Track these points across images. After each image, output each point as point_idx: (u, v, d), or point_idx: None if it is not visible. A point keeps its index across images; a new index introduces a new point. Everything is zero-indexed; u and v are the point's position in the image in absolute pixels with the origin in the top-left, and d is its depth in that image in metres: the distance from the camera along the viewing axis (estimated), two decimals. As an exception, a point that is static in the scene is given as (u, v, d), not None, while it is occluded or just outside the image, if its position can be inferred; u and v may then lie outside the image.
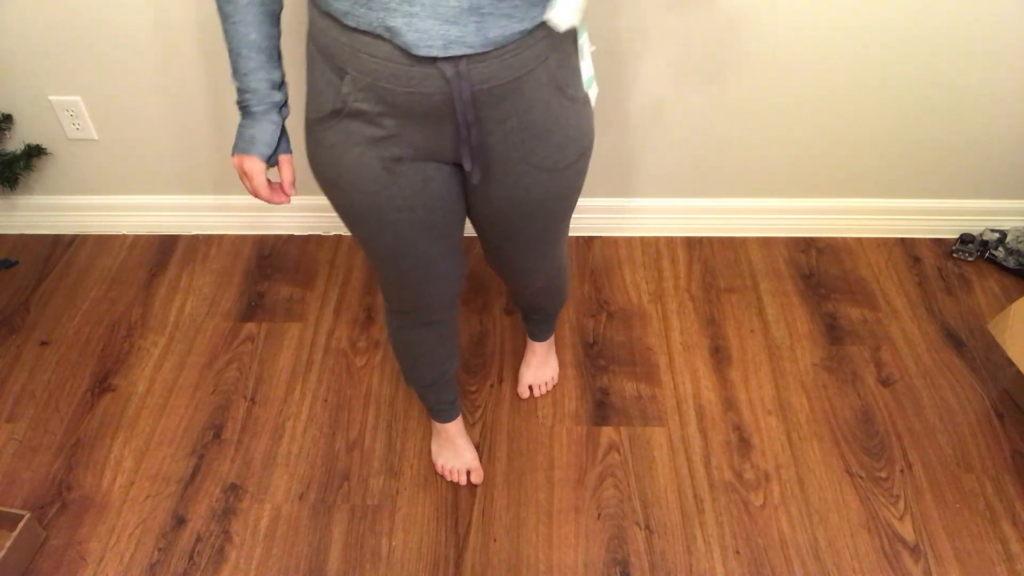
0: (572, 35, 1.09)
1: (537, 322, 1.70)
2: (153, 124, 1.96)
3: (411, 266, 1.22)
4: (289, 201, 1.19)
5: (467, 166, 1.09)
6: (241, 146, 1.11)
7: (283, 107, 1.12)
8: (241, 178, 1.14)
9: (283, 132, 1.13)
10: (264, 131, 1.10)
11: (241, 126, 1.11)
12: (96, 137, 1.99)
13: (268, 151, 1.11)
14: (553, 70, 1.06)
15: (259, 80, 1.08)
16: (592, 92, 1.17)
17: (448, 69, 0.98)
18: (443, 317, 1.38)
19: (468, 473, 1.61)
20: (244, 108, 1.10)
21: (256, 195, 1.15)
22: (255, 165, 1.12)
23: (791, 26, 1.73)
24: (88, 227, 2.18)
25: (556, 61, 1.06)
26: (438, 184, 1.13)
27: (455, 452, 1.62)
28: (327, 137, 1.08)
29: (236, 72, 1.09)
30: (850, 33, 1.74)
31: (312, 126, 1.10)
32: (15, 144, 2.01)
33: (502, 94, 1.03)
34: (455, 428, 1.62)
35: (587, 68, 1.14)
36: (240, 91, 1.10)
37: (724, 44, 1.76)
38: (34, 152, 2.00)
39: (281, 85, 1.11)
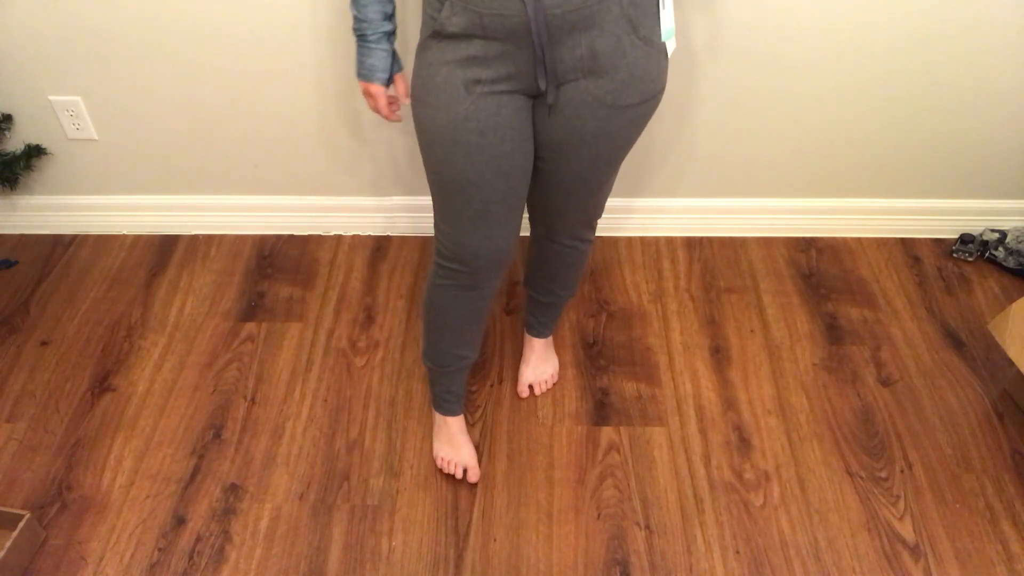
0: None
1: (542, 311, 1.69)
2: (153, 124, 1.96)
3: (473, 196, 1.27)
4: (400, 117, 1.39)
5: (542, 86, 1.17)
6: (364, 73, 1.31)
7: (392, 35, 1.29)
8: (365, 97, 1.35)
9: (394, 56, 1.32)
10: (379, 59, 1.29)
11: (359, 53, 1.29)
12: (96, 137, 1.99)
13: (385, 76, 1.31)
14: (626, 5, 1.13)
15: (374, 11, 1.25)
16: (670, 44, 1.22)
17: None
18: (485, 281, 1.39)
19: (465, 471, 1.61)
20: (361, 36, 1.27)
21: (377, 113, 1.36)
22: (378, 89, 1.32)
23: (791, 26, 1.73)
24: (88, 227, 2.18)
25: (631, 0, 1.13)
26: (510, 112, 1.21)
27: (454, 449, 1.62)
28: (426, 57, 1.20)
29: (354, 2, 1.25)
30: (850, 33, 1.74)
31: (419, 50, 1.22)
32: (15, 144, 2.01)
33: (574, 20, 1.11)
34: (456, 425, 1.63)
35: (667, 19, 1.19)
36: (357, 19, 1.26)
37: (724, 44, 1.76)
38: (34, 152, 2.00)
39: (391, 16, 1.27)
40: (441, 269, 1.39)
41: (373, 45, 1.27)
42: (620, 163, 1.34)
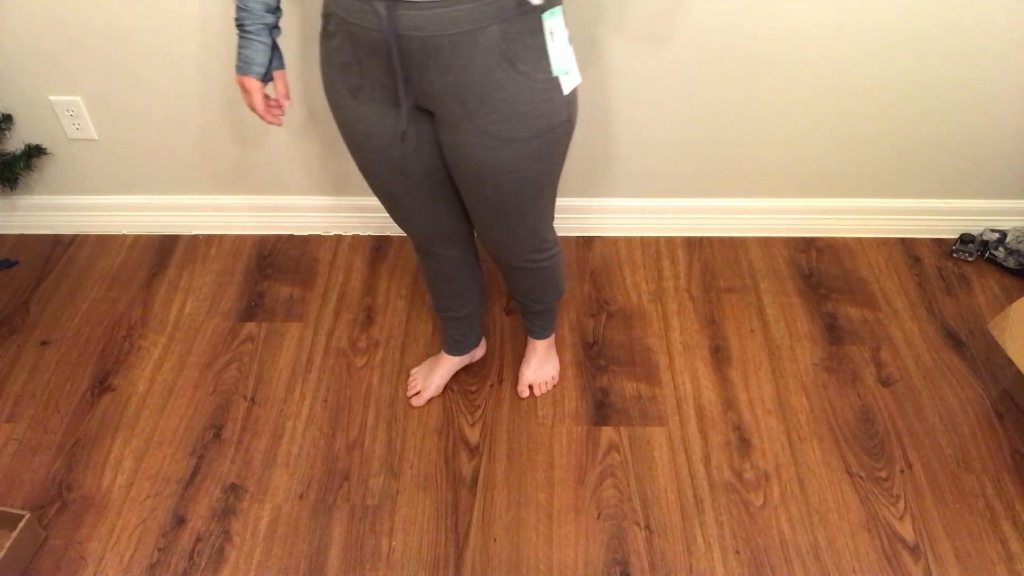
0: (534, 13, 1.11)
1: (534, 317, 1.70)
2: (153, 124, 1.96)
3: (378, 188, 1.36)
4: (280, 121, 1.33)
5: (404, 104, 1.16)
6: (240, 66, 1.26)
7: (274, 29, 1.25)
8: (242, 93, 1.29)
9: (275, 51, 1.27)
10: (256, 51, 1.24)
11: (239, 46, 1.25)
12: (96, 137, 1.99)
13: (262, 71, 1.26)
14: (498, 40, 1.10)
15: (255, 1, 1.22)
16: (566, 80, 1.19)
17: (381, 8, 1.05)
18: (434, 250, 1.51)
19: (418, 394, 1.75)
20: (240, 26, 1.23)
21: (253, 111, 1.29)
22: (252, 84, 1.26)
23: (791, 26, 1.73)
24: (88, 227, 2.18)
25: (504, 33, 1.09)
26: (392, 121, 1.21)
27: (428, 374, 1.76)
28: (321, 52, 1.21)
29: None
30: (850, 33, 1.74)
31: (320, 39, 1.22)
32: (15, 144, 2.01)
33: (436, 46, 1.09)
34: (445, 360, 1.76)
35: (558, 54, 1.16)
36: (238, 8, 1.22)
37: (724, 44, 1.76)
38: (34, 152, 2.00)
39: (276, 10, 1.24)
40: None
41: (251, 36, 1.23)
42: (538, 196, 1.31)
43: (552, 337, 1.78)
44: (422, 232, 1.46)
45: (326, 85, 1.24)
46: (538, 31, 1.13)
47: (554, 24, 1.14)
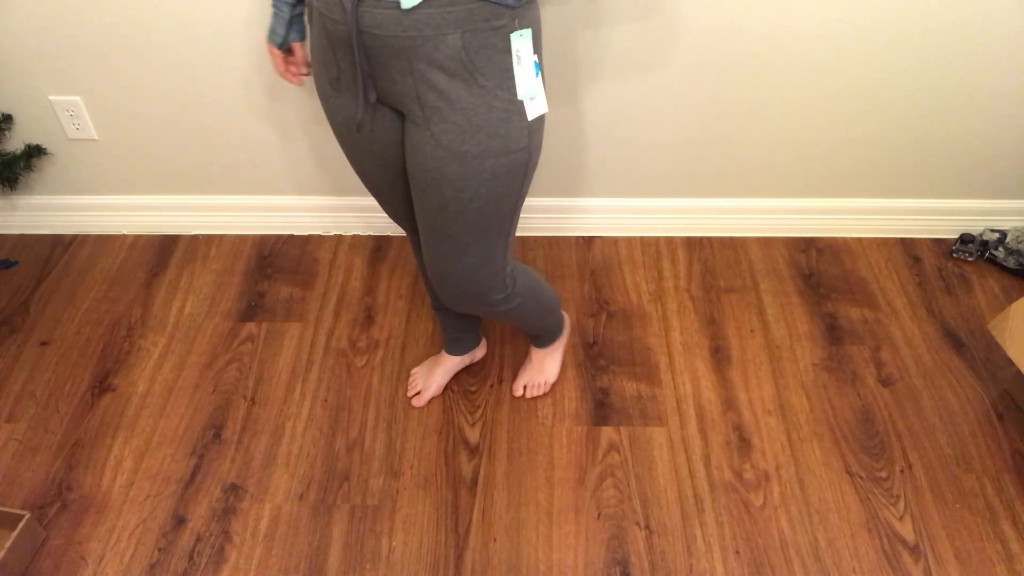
0: (502, 31, 1.10)
1: (525, 331, 1.70)
2: (153, 124, 1.96)
3: (367, 183, 1.40)
4: (300, 82, 1.42)
5: (362, 98, 1.18)
6: (268, 35, 1.39)
7: (295, 5, 1.32)
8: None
9: (293, 24, 1.34)
10: (278, 22, 1.34)
11: (271, 17, 1.35)
12: (96, 137, 1.99)
13: (278, 40, 1.35)
14: (459, 51, 1.09)
15: None
16: (531, 106, 1.16)
17: (347, 2, 1.07)
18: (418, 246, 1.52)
19: (416, 395, 1.75)
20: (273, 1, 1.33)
21: (277, 72, 1.43)
22: (272, 50, 1.37)
23: (791, 26, 1.73)
24: (88, 227, 2.18)
25: (465, 43, 1.08)
26: (380, 118, 1.24)
27: (428, 374, 1.77)
28: (311, 35, 1.24)
29: None
30: (850, 33, 1.74)
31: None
32: (15, 144, 2.01)
33: (396, 47, 1.10)
34: (446, 360, 1.76)
35: (524, 77, 1.13)
36: None
37: (724, 44, 1.76)
38: (34, 152, 2.00)
39: None
40: None
41: (276, 8, 1.33)
42: (484, 225, 1.26)
43: (551, 347, 1.76)
44: (410, 224, 1.48)
45: (314, 75, 1.28)
46: (505, 50, 1.11)
47: (521, 46, 1.12)
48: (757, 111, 1.89)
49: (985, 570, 1.48)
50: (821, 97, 1.86)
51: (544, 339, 1.73)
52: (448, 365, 1.76)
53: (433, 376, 1.76)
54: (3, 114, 1.94)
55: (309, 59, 1.37)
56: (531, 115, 1.17)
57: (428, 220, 1.29)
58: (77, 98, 1.91)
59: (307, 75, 1.42)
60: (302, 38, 1.37)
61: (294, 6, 1.32)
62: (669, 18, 1.72)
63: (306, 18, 1.25)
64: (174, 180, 2.09)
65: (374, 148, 1.30)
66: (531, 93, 1.15)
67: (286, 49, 1.37)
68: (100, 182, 2.10)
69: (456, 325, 1.71)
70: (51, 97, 1.91)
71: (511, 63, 1.13)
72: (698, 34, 1.74)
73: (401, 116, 1.24)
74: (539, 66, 1.17)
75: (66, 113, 1.93)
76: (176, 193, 2.12)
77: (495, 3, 1.07)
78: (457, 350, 1.75)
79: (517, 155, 1.20)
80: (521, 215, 2.11)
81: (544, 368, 1.77)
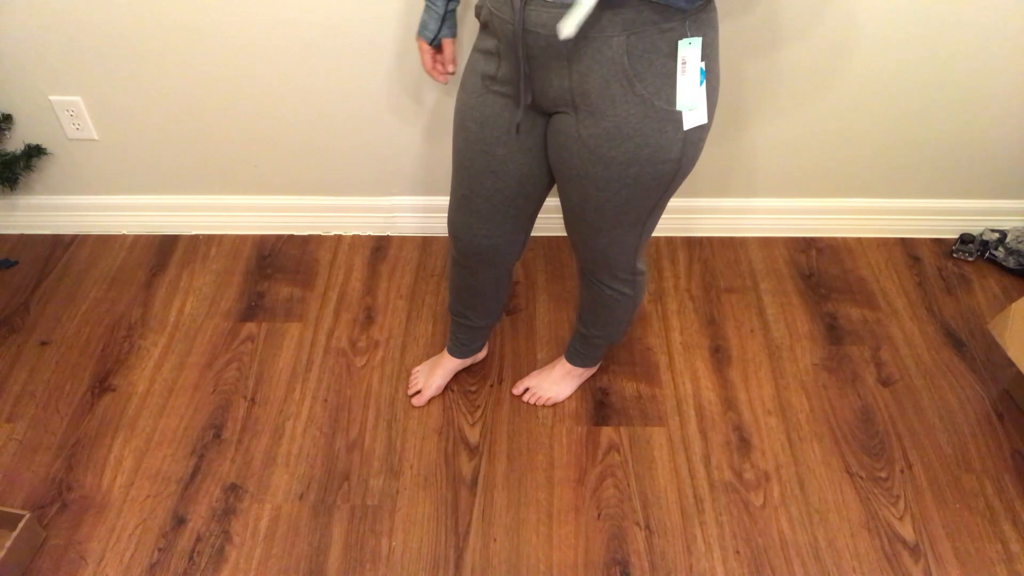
0: (669, 37, 1.06)
1: (577, 339, 1.69)
2: (153, 124, 1.96)
3: (463, 180, 1.37)
4: (445, 80, 1.45)
5: (522, 100, 1.19)
6: (418, 29, 1.41)
7: (451, 1, 1.35)
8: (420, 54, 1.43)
9: (446, 20, 1.37)
10: (430, 17, 1.36)
11: (423, 11, 1.38)
12: (96, 137, 1.99)
13: (431, 36, 1.37)
14: (621, 55, 1.07)
15: None
16: (689, 116, 1.13)
17: (516, 1, 1.08)
18: (470, 263, 1.50)
19: (418, 393, 1.76)
20: None
21: (424, 69, 1.43)
22: (421, 45, 1.40)
23: (791, 27, 1.73)
24: (88, 227, 2.18)
25: (629, 49, 1.06)
26: (511, 116, 1.24)
27: (429, 373, 1.77)
28: (475, 42, 1.28)
29: None
30: (850, 33, 1.74)
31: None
32: (15, 144, 2.01)
33: (559, 48, 1.10)
34: (448, 361, 1.76)
35: (687, 88, 1.10)
36: None
37: (723, 44, 1.76)
38: (34, 152, 2.00)
39: None
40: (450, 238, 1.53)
41: (430, 4, 1.35)
42: (621, 222, 1.28)
43: (580, 370, 1.74)
44: (475, 242, 1.43)
45: (466, 65, 1.29)
46: (669, 55, 1.08)
47: (689, 54, 1.08)
48: (757, 111, 1.89)
49: (985, 570, 1.48)
50: (821, 97, 1.86)
51: (586, 359, 1.71)
52: (450, 366, 1.76)
53: (434, 376, 1.75)
54: (3, 114, 1.94)
55: (455, 57, 1.41)
56: (688, 125, 1.14)
57: (568, 204, 1.32)
58: (77, 98, 1.91)
59: (452, 73, 1.44)
60: (453, 35, 1.40)
61: (448, 2, 1.35)
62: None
63: (476, 14, 1.23)
64: (174, 180, 2.09)
65: (499, 151, 1.28)
66: (692, 104, 1.12)
67: (436, 45, 1.39)
68: (100, 182, 2.10)
69: (468, 333, 1.70)
70: (51, 97, 1.91)
71: (674, 69, 1.09)
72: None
73: (544, 121, 1.25)
74: (705, 74, 1.12)
75: (66, 113, 1.93)
76: (176, 193, 2.12)
77: (665, 4, 1.04)
78: (460, 353, 1.75)
79: (666, 165, 1.18)
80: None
81: (560, 384, 1.74)
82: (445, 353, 1.76)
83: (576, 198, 1.27)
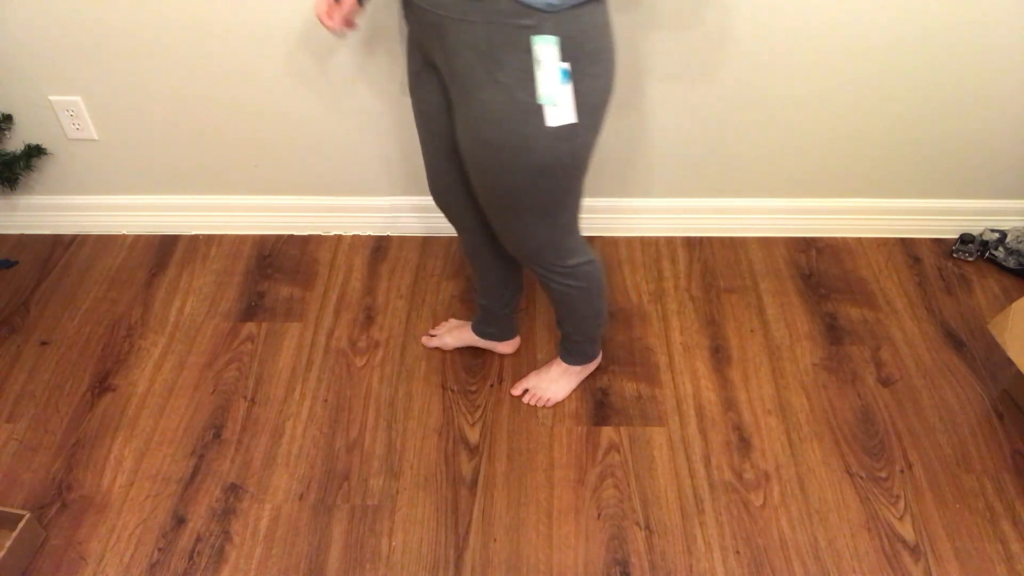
0: (526, 32, 1.07)
1: (562, 339, 1.70)
2: (153, 124, 1.96)
3: (422, 148, 1.44)
4: (340, 30, 1.31)
5: (405, 60, 1.28)
6: None
7: None
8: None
9: None
10: None
11: None
12: (96, 137, 1.99)
13: None
14: (482, 40, 1.09)
15: None
16: (552, 113, 1.13)
17: None
18: (455, 222, 1.55)
19: (434, 336, 1.86)
20: None
21: (318, 17, 1.30)
22: None
23: (791, 26, 1.73)
24: (88, 227, 2.18)
25: (490, 38, 1.08)
26: (426, 80, 1.30)
27: (451, 330, 1.85)
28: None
29: None
30: (850, 33, 1.74)
31: None
32: (15, 144, 2.01)
33: (433, 23, 1.12)
34: (467, 332, 1.83)
35: (545, 83, 1.11)
36: None
37: (723, 43, 1.76)
38: (34, 152, 2.00)
39: None
40: None
41: None
42: (514, 211, 1.29)
43: (576, 368, 1.73)
44: (434, 190, 1.51)
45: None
46: (528, 51, 1.09)
47: (543, 52, 1.09)
48: (757, 111, 1.89)
49: (985, 570, 1.48)
50: (821, 97, 1.86)
51: (576, 355, 1.71)
52: (466, 335, 1.83)
53: (451, 335, 1.84)
54: (3, 114, 1.94)
55: (353, 14, 1.32)
56: (551, 122, 1.15)
57: (474, 186, 1.34)
58: (77, 98, 1.91)
59: (349, 29, 1.32)
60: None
61: None
62: (668, 20, 1.72)
63: None
64: (174, 180, 2.09)
65: (423, 107, 1.35)
66: (551, 100, 1.13)
67: None
68: (100, 182, 2.10)
69: (481, 311, 1.75)
70: (51, 97, 1.91)
71: (531, 64, 1.10)
72: (697, 34, 1.74)
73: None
74: (569, 74, 1.12)
75: (66, 113, 1.93)
76: (176, 193, 2.12)
77: (519, 2, 1.05)
78: (475, 328, 1.81)
79: (535, 156, 1.18)
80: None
81: (558, 383, 1.74)
82: (472, 325, 1.82)
83: (475, 180, 1.30)
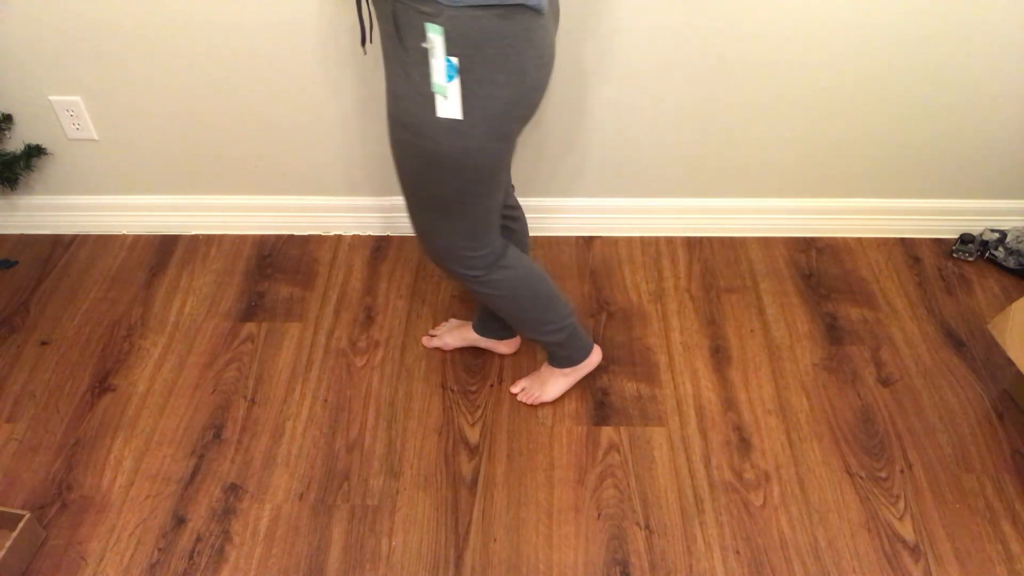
0: (423, 17, 1.07)
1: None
2: (153, 124, 1.96)
3: None
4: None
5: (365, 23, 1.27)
6: None
7: None
8: None
9: None
10: None
11: None
12: (96, 137, 1.99)
13: None
14: (391, 18, 1.12)
15: None
16: (440, 103, 1.14)
17: None
18: None
19: (434, 336, 1.86)
20: None
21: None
22: None
23: (791, 25, 1.73)
24: (88, 227, 2.18)
25: (396, 14, 1.11)
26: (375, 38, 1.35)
27: (451, 330, 1.85)
28: None
29: None
30: (850, 33, 1.74)
31: None
32: (15, 144, 2.01)
33: None
34: (467, 330, 1.83)
35: (435, 73, 1.11)
36: None
37: (723, 43, 1.76)
38: (34, 152, 2.00)
39: None
40: None
41: None
42: (419, 195, 1.30)
43: (559, 370, 1.72)
44: None
45: None
46: (421, 33, 1.10)
47: (433, 41, 1.09)
48: (757, 111, 1.89)
49: (985, 570, 1.48)
50: (821, 97, 1.86)
51: (554, 359, 1.70)
52: (467, 334, 1.82)
53: (452, 334, 1.84)
54: (3, 114, 1.94)
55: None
56: (440, 112, 1.15)
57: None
58: (77, 98, 1.91)
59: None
60: None
61: None
62: (669, 19, 1.72)
63: None
64: (174, 180, 2.09)
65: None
66: (440, 90, 1.13)
67: None
68: (100, 182, 2.10)
69: (488, 321, 1.76)
70: (51, 97, 1.91)
71: (427, 50, 1.11)
72: (697, 34, 1.74)
73: None
74: (456, 70, 1.11)
75: (66, 113, 1.93)
76: (176, 193, 2.12)
77: None
78: (475, 325, 1.80)
79: (427, 142, 1.19)
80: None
81: (545, 385, 1.74)
82: (471, 323, 1.82)
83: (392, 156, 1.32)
